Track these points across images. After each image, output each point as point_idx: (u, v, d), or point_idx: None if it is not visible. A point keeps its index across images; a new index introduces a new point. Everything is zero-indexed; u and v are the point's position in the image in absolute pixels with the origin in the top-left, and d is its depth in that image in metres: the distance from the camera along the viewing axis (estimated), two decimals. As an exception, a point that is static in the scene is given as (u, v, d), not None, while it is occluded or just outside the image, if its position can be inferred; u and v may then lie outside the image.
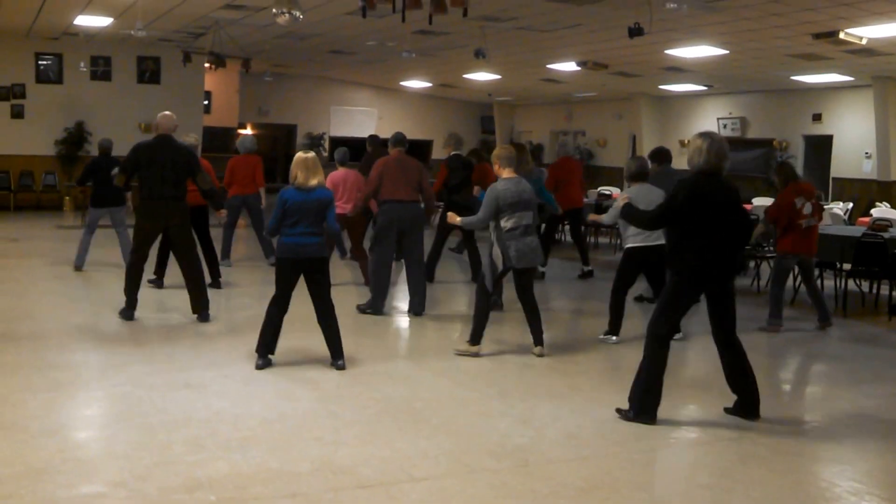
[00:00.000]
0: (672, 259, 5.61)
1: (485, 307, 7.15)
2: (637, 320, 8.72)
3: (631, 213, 6.02)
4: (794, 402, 6.43)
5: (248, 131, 27.23)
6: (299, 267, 6.51)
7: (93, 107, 18.98)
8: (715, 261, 5.48)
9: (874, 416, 5.97)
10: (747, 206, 13.59)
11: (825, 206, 14.31)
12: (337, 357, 6.62)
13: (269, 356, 6.59)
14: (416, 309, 8.69)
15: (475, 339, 7.15)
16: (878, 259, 9.40)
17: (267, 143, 28.36)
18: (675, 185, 5.64)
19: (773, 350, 8.06)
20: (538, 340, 7.25)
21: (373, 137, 13.90)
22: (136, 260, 8.04)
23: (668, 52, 15.55)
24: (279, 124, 26.37)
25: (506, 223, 6.97)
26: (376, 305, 8.62)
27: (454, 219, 7.47)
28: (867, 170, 17.59)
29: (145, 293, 9.10)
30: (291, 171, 6.54)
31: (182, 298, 8.31)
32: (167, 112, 8.32)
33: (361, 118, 26.06)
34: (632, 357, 7.42)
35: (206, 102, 21.66)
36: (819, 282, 10.25)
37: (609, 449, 5.06)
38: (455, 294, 10.26)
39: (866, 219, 13.40)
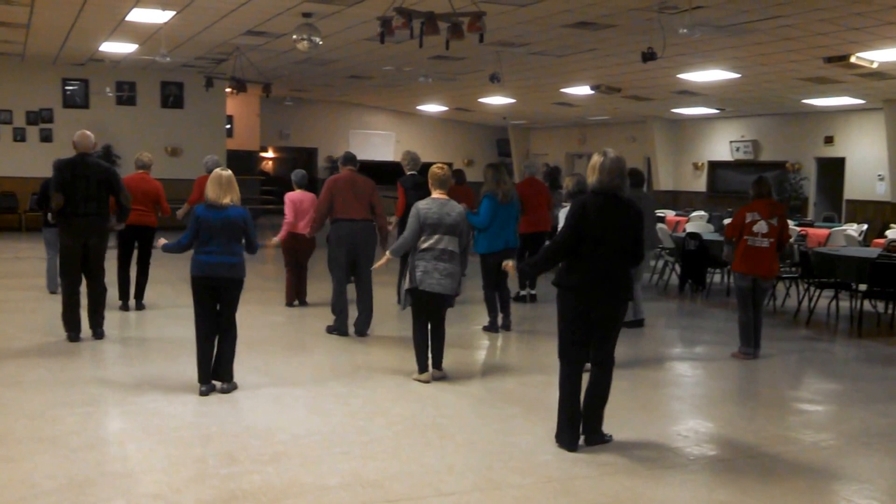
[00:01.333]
0: (556, 277, 5.41)
1: (417, 335, 6.95)
2: (652, 343, 8.83)
3: (534, 264, 5.70)
4: (809, 421, 6.47)
5: (270, 154, 27.63)
6: (210, 285, 6.35)
7: (119, 131, 19.47)
8: (599, 283, 5.26)
9: (890, 435, 6.03)
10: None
11: (838, 228, 14.42)
12: (224, 378, 6.43)
13: (214, 382, 6.43)
14: (360, 329, 8.58)
15: (419, 367, 6.98)
16: (893, 280, 9.45)
17: (288, 166, 28.83)
18: (570, 208, 5.44)
19: (787, 369, 8.14)
20: (437, 363, 7.03)
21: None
22: (66, 284, 8.03)
23: (680, 76, 15.74)
24: (300, 147, 26.81)
25: (422, 244, 6.76)
26: (340, 326, 8.64)
27: (385, 256, 7.33)
28: (881, 192, 17.68)
29: (178, 311, 9.32)
30: (206, 188, 6.40)
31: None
32: (85, 131, 8.25)
33: (379, 141, 26.43)
34: (652, 378, 7.56)
35: (228, 126, 22.05)
36: (835, 302, 10.35)
37: (630, 466, 5.15)
38: (475, 313, 10.34)
39: (881, 240, 13.47)
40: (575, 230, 5.25)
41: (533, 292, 11.25)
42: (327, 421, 5.83)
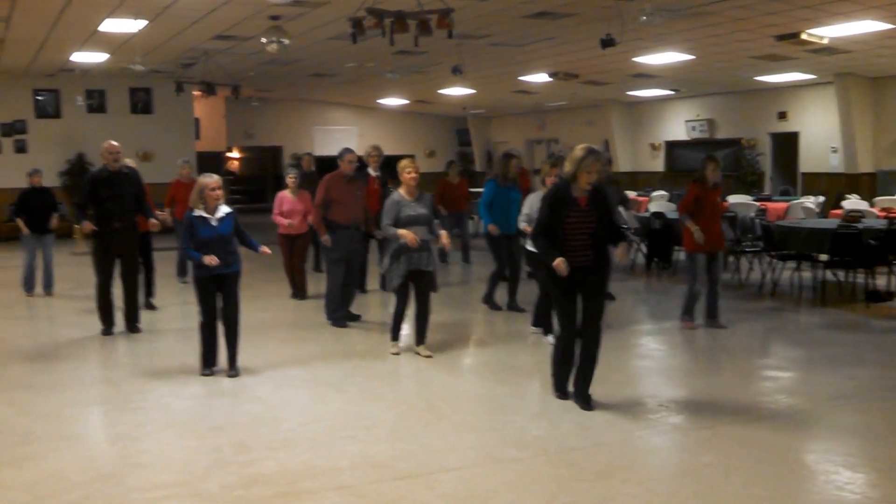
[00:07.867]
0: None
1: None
2: (621, 320, 9.10)
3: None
4: (781, 386, 6.79)
5: (236, 154, 27.72)
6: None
7: (91, 138, 19.37)
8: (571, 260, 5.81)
9: (858, 397, 6.34)
10: (724, 205, 14.04)
11: (797, 201, 14.88)
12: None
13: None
14: (332, 317, 8.91)
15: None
16: (852, 249, 9.71)
17: (255, 165, 28.88)
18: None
19: (756, 338, 8.48)
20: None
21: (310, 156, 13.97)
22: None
23: (636, 59, 16.02)
24: (265, 146, 26.94)
25: None
26: (332, 316, 8.92)
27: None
28: (834, 164, 18.17)
29: (173, 309, 9.45)
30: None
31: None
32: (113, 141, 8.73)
33: (342, 136, 26.55)
34: (628, 353, 7.90)
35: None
36: (797, 274, 10.73)
37: (619, 436, 5.45)
38: (469, 297, 10.60)
39: (838, 211, 13.90)
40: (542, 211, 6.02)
41: None
42: (328, 408, 6.09)
